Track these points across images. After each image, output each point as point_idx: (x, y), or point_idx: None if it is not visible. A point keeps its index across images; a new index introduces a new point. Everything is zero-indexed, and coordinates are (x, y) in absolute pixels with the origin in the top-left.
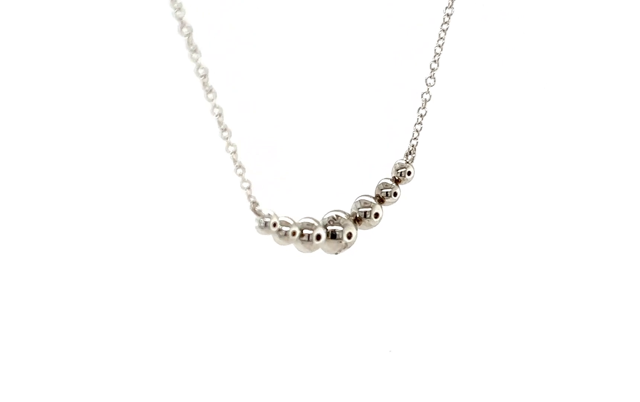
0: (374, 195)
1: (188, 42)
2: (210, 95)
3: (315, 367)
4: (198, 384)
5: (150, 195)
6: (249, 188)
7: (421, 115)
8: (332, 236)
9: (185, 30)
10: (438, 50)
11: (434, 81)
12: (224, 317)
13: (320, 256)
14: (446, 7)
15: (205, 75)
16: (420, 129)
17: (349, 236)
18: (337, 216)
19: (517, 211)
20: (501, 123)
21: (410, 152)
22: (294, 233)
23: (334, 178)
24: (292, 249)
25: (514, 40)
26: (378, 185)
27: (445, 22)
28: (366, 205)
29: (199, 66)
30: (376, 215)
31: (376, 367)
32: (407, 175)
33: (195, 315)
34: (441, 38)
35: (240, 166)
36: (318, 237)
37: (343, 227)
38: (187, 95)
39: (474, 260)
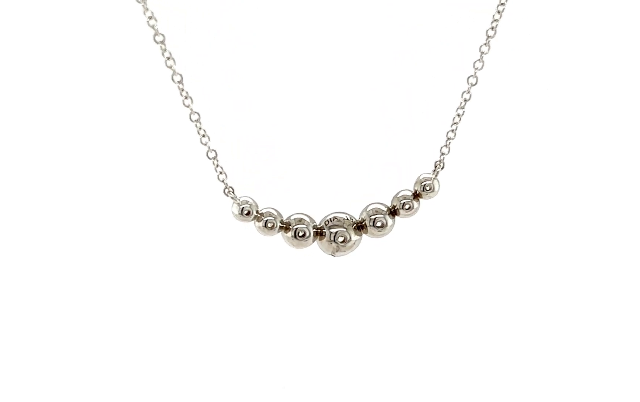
0: (389, 205)
1: (149, 24)
2: (176, 77)
3: (292, 368)
4: (173, 383)
5: (126, 189)
6: (221, 173)
7: (457, 120)
8: (324, 236)
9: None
10: (490, 33)
11: (483, 64)
12: (205, 314)
13: (317, 255)
14: None
15: (170, 58)
16: (449, 144)
17: (344, 240)
18: (335, 217)
19: (546, 238)
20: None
21: (436, 166)
22: (273, 225)
23: (333, 178)
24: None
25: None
26: (397, 196)
27: (502, 3)
28: (376, 212)
29: (162, 44)
30: (382, 226)
31: (357, 379)
32: (428, 191)
33: (173, 313)
34: (495, 19)
35: (210, 149)
36: (303, 234)
37: (339, 229)
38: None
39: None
